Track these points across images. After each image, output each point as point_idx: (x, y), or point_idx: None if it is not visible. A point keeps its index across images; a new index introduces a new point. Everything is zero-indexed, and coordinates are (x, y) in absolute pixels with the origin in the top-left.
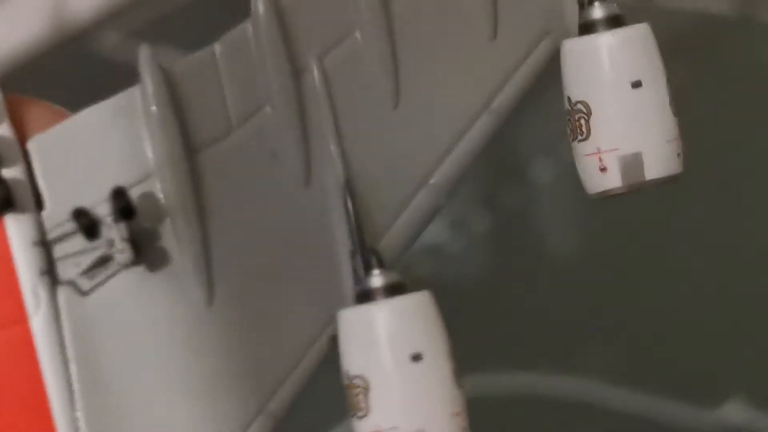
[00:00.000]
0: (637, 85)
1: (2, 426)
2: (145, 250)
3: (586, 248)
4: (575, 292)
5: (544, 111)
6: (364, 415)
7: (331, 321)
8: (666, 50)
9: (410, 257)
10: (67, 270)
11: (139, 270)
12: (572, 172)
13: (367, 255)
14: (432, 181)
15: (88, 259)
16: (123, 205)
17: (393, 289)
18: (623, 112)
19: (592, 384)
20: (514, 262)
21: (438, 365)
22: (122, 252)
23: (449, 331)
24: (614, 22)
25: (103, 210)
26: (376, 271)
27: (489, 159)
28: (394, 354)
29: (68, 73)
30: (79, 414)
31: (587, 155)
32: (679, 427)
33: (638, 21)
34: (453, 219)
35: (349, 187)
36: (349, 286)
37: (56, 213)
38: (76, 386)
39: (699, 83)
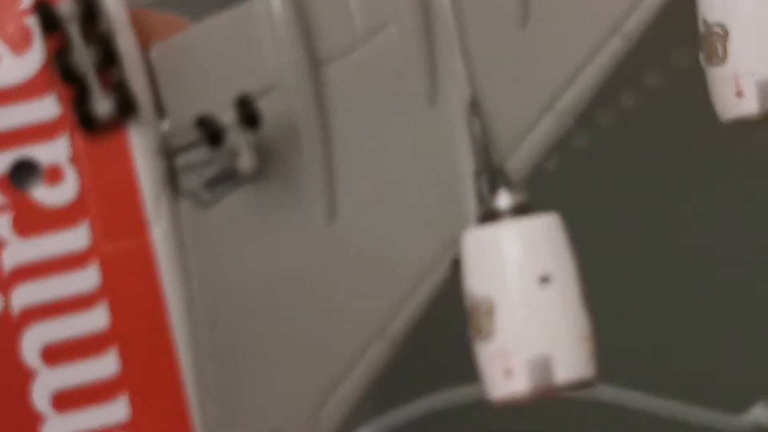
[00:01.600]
0: None
1: (121, 336)
2: (267, 163)
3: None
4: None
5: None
6: (488, 336)
7: (452, 243)
8: None
9: None
10: (189, 180)
11: (261, 184)
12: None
13: (493, 175)
14: (558, 105)
15: (211, 170)
16: (248, 113)
17: (520, 210)
18: (765, 33)
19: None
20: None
21: (566, 288)
22: (246, 161)
23: None
24: None
25: (226, 118)
26: (502, 191)
27: None
28: (521, 276)
29: None
30: (198, 328)
31: (722, 79)
32: None
33: None
34: None
35: (475, 108)
36: (471, 209)
37: (179, 121)
38: (196, 300)
39: None
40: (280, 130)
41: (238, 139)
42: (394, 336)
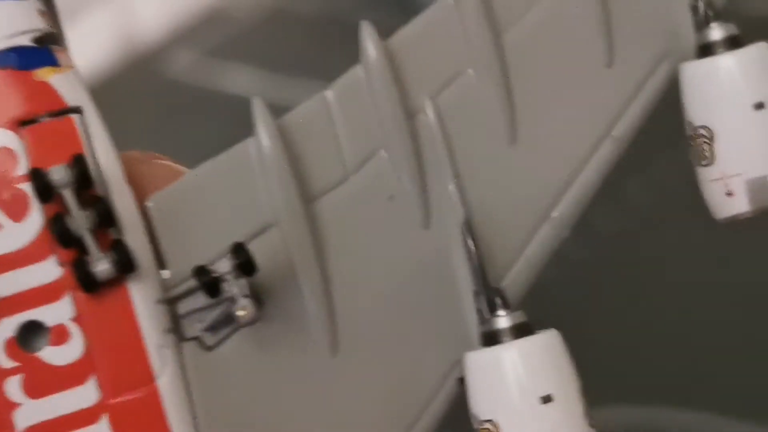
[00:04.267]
0: (760, 106)
1: None
2: (267, 303)
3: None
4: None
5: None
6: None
7: (458, 363)
8: None
9: None
10: (191, 326)
11: (262, 322)
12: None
13: (491, 295)
14: (554, 214)
15: (211, 315)
16: (243, 260)
17: (520, 330)
18: (747, 136)
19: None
20: (615, 290)
21: (568, 405)
22: (244, 309)
23: None
24: (733, 42)
25: (223, 266)
26: (502, 312)
27: None
28: (523, 397)
29: (140, 94)
30: None
31: (712, 180)
32: None
33: (756, 40)
34: None
35: (469, 227)
36: (473, 327)
37: (178, 270)
38: None
39: None
40: (278, 268)
41: (234, 286)
42: None
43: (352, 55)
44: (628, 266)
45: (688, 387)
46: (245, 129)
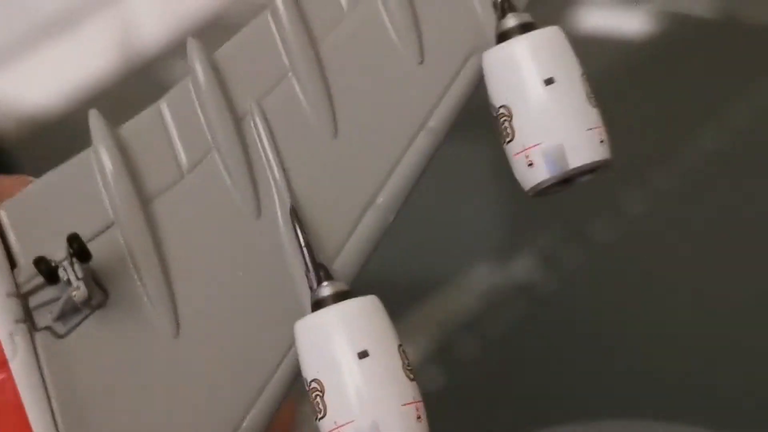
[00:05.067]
0: (549, 81)
1: None
2: (113, 293)
3: (687, 284)
4: (677, 328)
5: (634, 142)
6: (324, 416)
7: (292, 338)
8: None
9: (501, 296)
10: (43, 318)
11: (109, 311)
12: (668, 201)
13: (316, 269)
14: (378, 201)
15: (58, 305)
16: (76, 248)
17: (341, 297)
18: (540, 109)
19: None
20: (612, 298)
21: (385, 360)
22: (77, 289)
23: (555, 371)
24: (526, 29)
25: (60, 255)
26: (325, 283)
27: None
28: (342, 354)
29: (141, 102)
30: None
31: (515, 154)
32: None
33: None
34: (545, 256)
35: (296, 214)
36: (307, 306)
37: (28, 268)
38: (59, 422)
39: None
40: (121, 262)
41: (69, 271)
42: (251, 429)
43: None
44: (625, 274)
45: (684, 398)
46: None
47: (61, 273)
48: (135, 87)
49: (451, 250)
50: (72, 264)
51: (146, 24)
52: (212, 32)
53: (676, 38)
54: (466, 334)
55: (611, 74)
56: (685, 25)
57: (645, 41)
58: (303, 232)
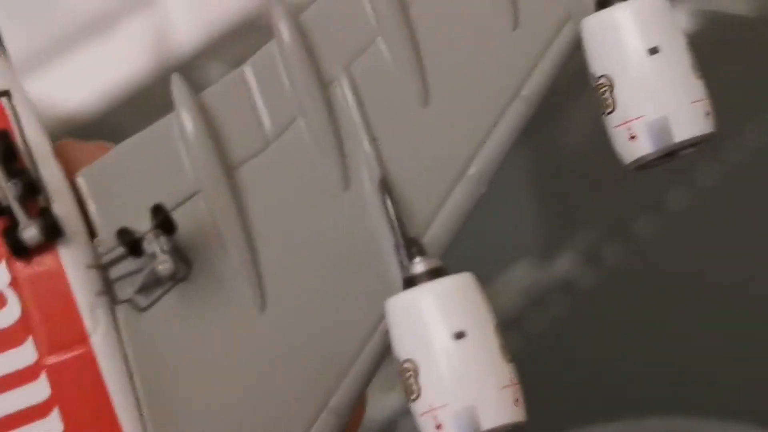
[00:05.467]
0: (654, 51)
1: None
2: (196, 265)
3: (731, 280)
4: (722, 327)
5: None
6: (417, 397)
7: (383, 316)
8: None
9: (543, 293)
10: (124, 290)
11: (192, 284)
12: (710, 199)
13: (408, 245)
14: (470, 172)
15: (140, 277)
16: (161, 219)
17: (435, 274)
18: (644, 79)
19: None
20: (654, 294)
21: (482, 341)
22: (163, 263)
23: (598, 369)
24: None
25: (144, 227)
26: (417, 259)
27: (622, 188)
28: (437, 334)
29: (173, 104)
30: (146, 425)
31: (616, 126)
32: None
33: None
34: (587, 253)
35: (386, 185)
36: (397, 281)
37: (109, 238)
38: (141, 398)
39: None
40: (205, 233)
41: (154, 244)
42: (339, 408)
43: None
44: (668, 271)
45: (732, 395)
46: None
47: (145, 245)
48: (168, 89)
49: (493, 247)
50: (157, 236)
51: (181, 26)
52: (248, 34)
53: (715, 37)
54: (508, 331)
55: None
56: (723, 24)
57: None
58: (393, 204)
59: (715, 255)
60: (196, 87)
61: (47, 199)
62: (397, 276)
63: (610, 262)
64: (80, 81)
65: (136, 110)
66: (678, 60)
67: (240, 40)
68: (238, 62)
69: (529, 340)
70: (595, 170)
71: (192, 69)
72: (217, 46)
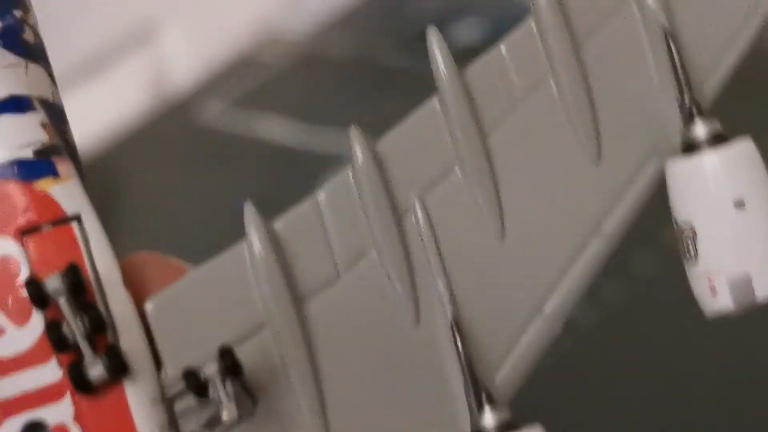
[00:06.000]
0: (740, 204)
1: None
2: (261, 399)
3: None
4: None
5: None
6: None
7: None
8: None
9: None
10: (187, 424)
11: (258, 419)
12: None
13: (477, 392)
14: (546, 310)
15: (206, 414)
16: (228, 363)
17: (503, 428)
18: (728, 234)
19: None
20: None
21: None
22: (227, 409)
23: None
24: (716, 140)
25: (210, 369)
26: (487, 408)
27: None
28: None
29: (173, 141)
30: None
31: (698, 277)
32: None
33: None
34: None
35: (458, 324)
36: (464, 421)
37: (174, 371)
38: None
39: None
40: (272, 367)
41: (220, 390)
42: None
43: (383, 99)
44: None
45: None
46: (276, 174)
47: (211, 390)
48: (167, 126)
49: None
50: (223, 380)
51: (177, 63)
52: (246, 70)
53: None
54: None
55: None
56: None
57: None
58: (464, 346)
59: None
60: (192, 126)
61: (115, 335)
62: (465, 419)
63: (610, 299)
64: (79, 120)
65: (134, 148)
66: (764, 214)
67: (238, 76)
68: (237, 99)
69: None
70: None
71: (190, 105)
72: (216, 83)
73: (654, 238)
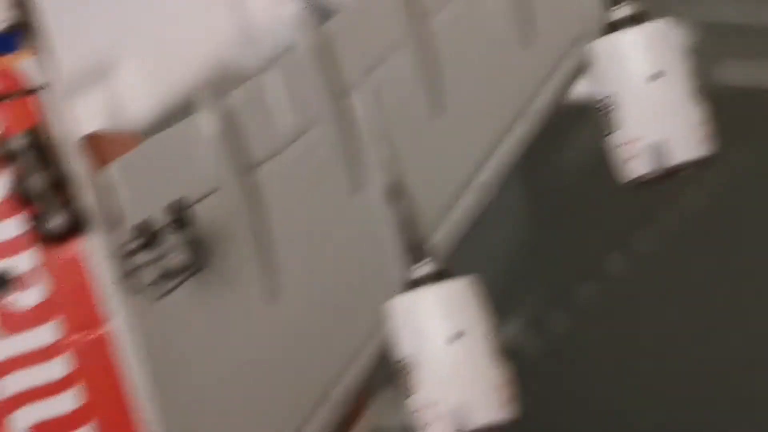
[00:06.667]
0: (657, 76)
1: (95, 411)
2: (211, 258)
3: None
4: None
5: (615, 205)
6: (413, 395)
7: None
8: None
9: None
10: (141, 278)
11: (207, 275)
12: (649, 264)
13: (415, 250)
14: (477, 181)
15: (158, 267)
16: (178, 214)
17: (437, 276)
18: (646, 103)
19: None
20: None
21: (478, 343)
22: (178, 256)
23: None
24: (636, 19)
25: (162, 221)
26: (422, 263)
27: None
28: (435, 334)
29: None
30: (156, 406)
31: (618, 146)
32: None
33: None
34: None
35: (397, 189)
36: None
37: (131, 229)
38: (152, 383)
39: None
40: (221, 227)
41: (171, 239)
42: (338, 401)
43: None
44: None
45: None
46: None
47: (162, 238)
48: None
49: None
50: (174, 230)
51: (137, 99)
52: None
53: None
54: None
55: None
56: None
57: None
58: (403, 209)
59: (662, 317)
60: None
61: (74, 191)
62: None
63: (555, 328)
64: None
65: None
66: (680, 85)
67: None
68: None
69: None
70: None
71: None
72: (175, 119)
73: (627, 241)
